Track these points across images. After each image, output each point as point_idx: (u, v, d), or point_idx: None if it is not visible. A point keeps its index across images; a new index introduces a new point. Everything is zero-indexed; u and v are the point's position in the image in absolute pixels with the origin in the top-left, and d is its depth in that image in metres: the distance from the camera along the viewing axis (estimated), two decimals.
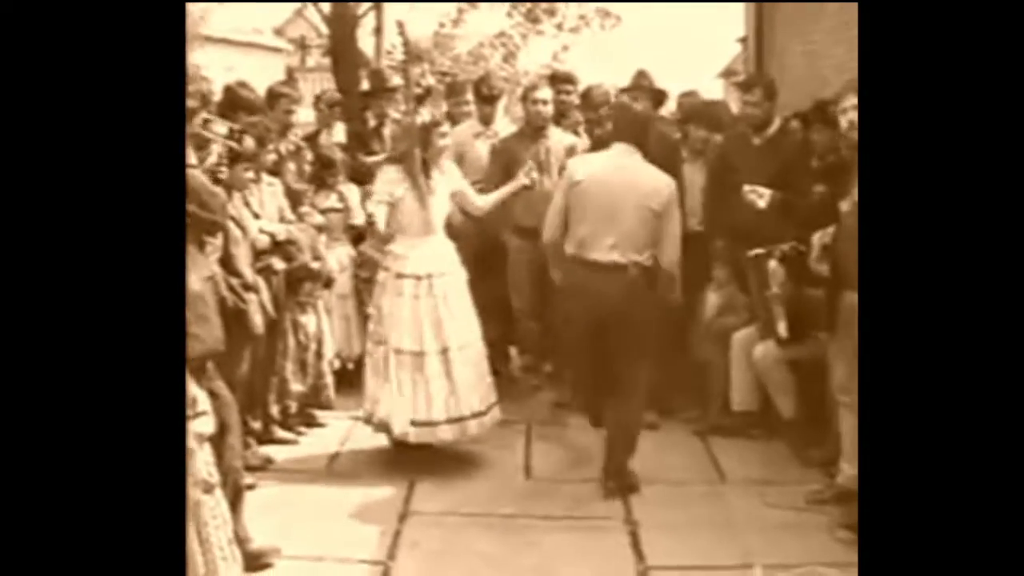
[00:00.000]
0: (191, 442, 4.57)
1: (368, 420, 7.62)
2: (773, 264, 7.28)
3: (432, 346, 7.39)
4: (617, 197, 6.85)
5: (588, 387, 7.37)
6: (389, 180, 7.57)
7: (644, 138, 7.20)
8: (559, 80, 9.93)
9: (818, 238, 6.91)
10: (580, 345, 7.19)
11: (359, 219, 8.82)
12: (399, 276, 7.50)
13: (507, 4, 21.10)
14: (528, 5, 21.05)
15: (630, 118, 7.29)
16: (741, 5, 11.85)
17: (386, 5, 19.41)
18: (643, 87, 8.65)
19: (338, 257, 8.96)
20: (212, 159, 6.78)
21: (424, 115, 7.87)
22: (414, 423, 7.36)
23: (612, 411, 7.17)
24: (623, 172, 6.97)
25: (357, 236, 9.21)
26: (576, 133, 9.45)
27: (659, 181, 7.02)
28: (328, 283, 8.39)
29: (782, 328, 7.34)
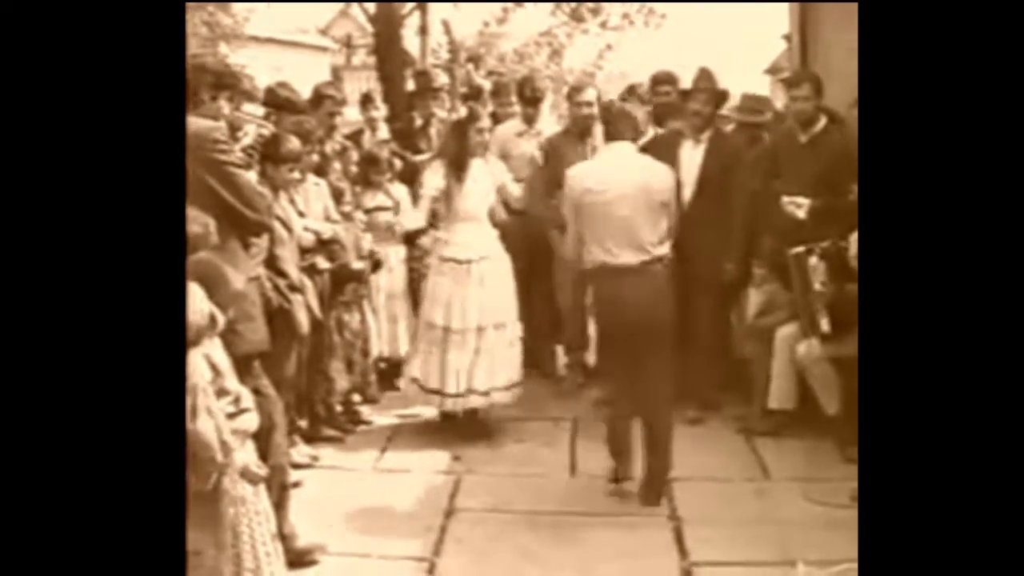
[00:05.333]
0: (234, 438, 4.60)
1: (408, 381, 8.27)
2: (814, 260, 7.30)
3: (460, 324, 7.94)
4: (628, 199, 6.81)
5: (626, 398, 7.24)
6: (435, 174, 8.09)
7: (637, 133, 7.31)
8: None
9: (855, 239, 6.90)
10: (619, 353, 7.14)
11: (407, 219, 8.89)
12: (443, 259, 8.10)
13: (551, 3, 21.10)
14: (573, 4, 21.04)
15: (622, 116, 7.24)
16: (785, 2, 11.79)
17: (431, 5, 19.46)
18: (705, 88, 8.57)
19: (386, 256, 8.95)
20: (247, 140, 6.83)
21: (461, 111, 8.18)
22: (429, 390, 8.02)
23: (646, 422, 7.06)
24: (628, 172, 6.94)
25: (409, 235, 9.24)
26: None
27: (661, 171, 7.08)
28: (375, 267, 8.45)
29: (825, 324, 7.37)
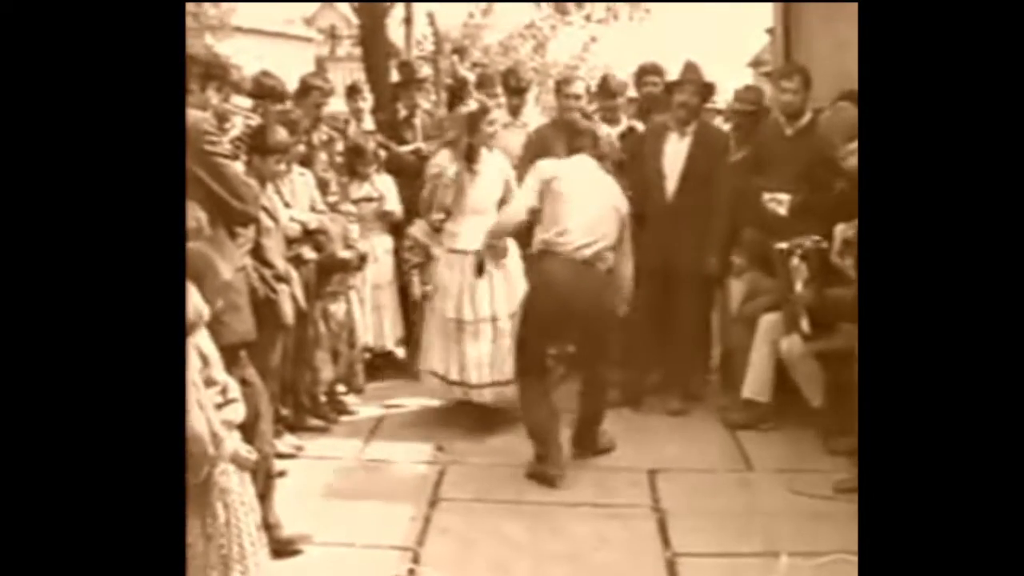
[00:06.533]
0: (221, 428, 4.62)
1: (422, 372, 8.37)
2: (795, 262, 7.33)
3: (471, 316, 8.00)
4: (591, 197, 7.17)
5: (547, 412, 7.38)
6: (441, 163, 8.21)
7: (597, 148, 7.51)
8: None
9: (840, 231, 6.94)
10: (542, 346, 7.38)
11: (392, 206, 9.16)
12: (451, 251, 8.17)
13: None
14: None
15: (586, 131, 7.60)
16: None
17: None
18: (691, 80, 8.58)
19: (372, 247, 9.00)
20: (235, 132, 6.83)
21: (471, 104, 8.24)
22: (452, 382, 8.05)
23: (580, 399, 7.54)
24: (594, 176, 7.32)
25: (394, 225, 9.30)
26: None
27: (615, 186, 7.46)
28: (361, 263, 8.44)
29: (805, 325, 7.41)
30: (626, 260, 7.46)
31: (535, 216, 7.27)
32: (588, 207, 7.12)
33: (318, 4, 41.47)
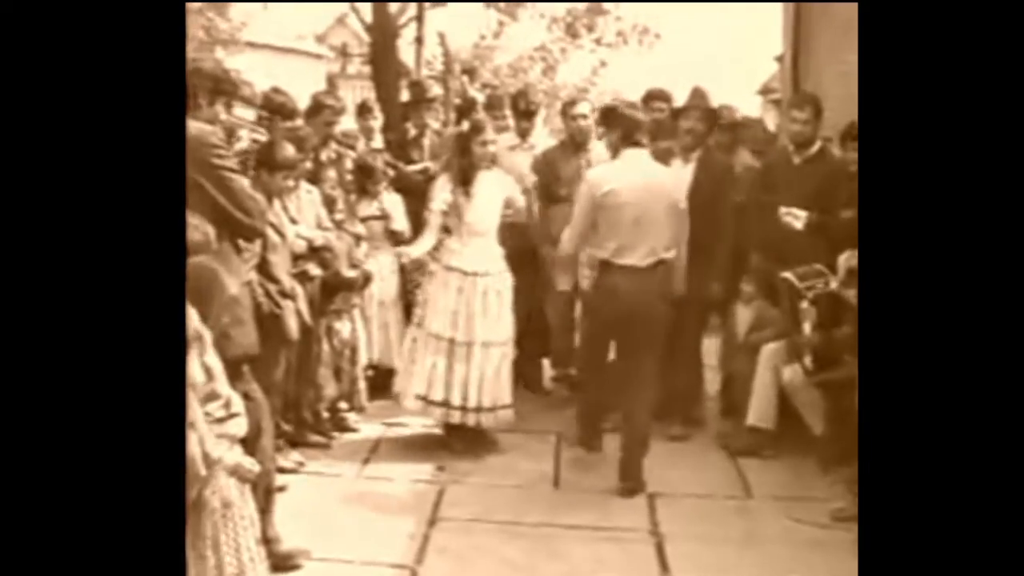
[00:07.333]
0: (221, 442, 4.63)
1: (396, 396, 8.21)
2: (805, 305, 7.32)
3: (462, 337, 7.83)
4: (648, 204, 7.12)
5: (596, 402, 7.59)
6: (442, 189, 7.99)
7: (647, 138, 7.46)
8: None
9: (844, 260, 6.95)
10: (603, 349, 7.47)
11: (399, 225, 9.20)
12: (448, 268, 7.95)
13: (547, 18, 21.17)
14: (568, 19, 21.12)
15: (633, 123, 7.39)
16: (779, 23, 11.83)
17: (427, 16, 19.51)
18: (698, 106, 8.57)
19: (379, 265, 9.03)
20: (241, 145, 6.83)
21: (463, 124, 8.09)
22: (429, 401, 7.89)
23: (627, 413, 7.41)
24: (647, 178, 7.22)
25: (401, 243, 9.30)
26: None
27: (673, 177, 7.51)
28: (365, 282, 8.46)
29: (808, 362, 7.42)
30: (681, 245, 7.52)
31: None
32: (642, 218, 7.10)
33: (330, 20, 41.54)
